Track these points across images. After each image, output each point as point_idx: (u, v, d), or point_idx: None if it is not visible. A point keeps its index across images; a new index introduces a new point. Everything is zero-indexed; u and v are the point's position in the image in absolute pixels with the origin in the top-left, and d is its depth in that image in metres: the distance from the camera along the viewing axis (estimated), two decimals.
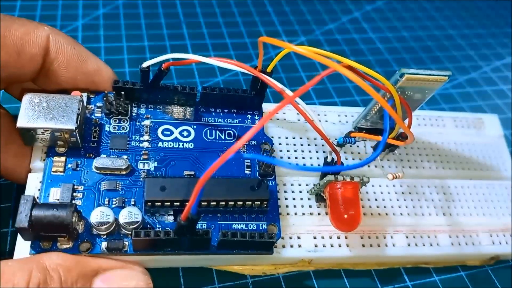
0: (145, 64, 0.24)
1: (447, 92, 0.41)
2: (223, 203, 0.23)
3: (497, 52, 0.48)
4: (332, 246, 0.25)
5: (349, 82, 0.40)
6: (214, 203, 0.23)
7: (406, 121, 0.25)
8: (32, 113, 0.22)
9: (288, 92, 0.24)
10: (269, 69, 0.25)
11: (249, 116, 0.28)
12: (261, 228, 0.24)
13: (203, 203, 0.23)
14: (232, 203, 0.23)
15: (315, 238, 0.25)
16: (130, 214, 0.22)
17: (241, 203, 0.23)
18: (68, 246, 0.21)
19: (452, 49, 0.47)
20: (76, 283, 0.20)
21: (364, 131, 0.28)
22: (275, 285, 0.26)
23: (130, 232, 0.22)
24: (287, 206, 0.26)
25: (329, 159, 0.26)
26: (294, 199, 0.26)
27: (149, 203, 0.22)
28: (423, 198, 0.28)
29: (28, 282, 0.18)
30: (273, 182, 0.25)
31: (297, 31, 0.45)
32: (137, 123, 0.26)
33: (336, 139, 0.27)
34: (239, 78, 0.39)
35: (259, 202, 0.23)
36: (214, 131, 0.27)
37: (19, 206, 0.19)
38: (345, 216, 0.23)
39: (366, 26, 0.48)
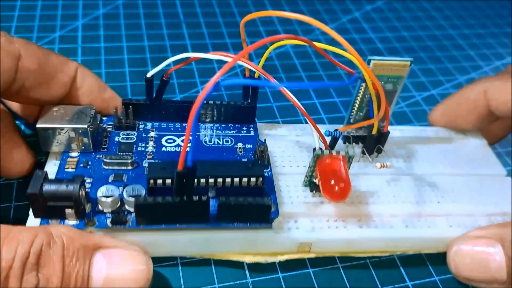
0: (149, 74, 0.26)
1: (447, 92, 0.41)
2: (221, 180, 0.24)
3: (497, 52, 0.48)
4: (329, 228, 0.26)
5: (349, 82, 0.40)
6: (212, 180, 0.24)
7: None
8: (51, 116, 0.26)
9: (258, 67, 0.25)
10: (260, 65, 0.26)
11: (244, 129, 0.30)
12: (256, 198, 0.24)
13: (201, 181, 0.24)
14: (229, 180, 0.24)
15: (312, 222, 0.26)
16: (133, 190, 0.24)
17: (237, 180, 0.24)
18: (75, 222, 0.23)
19: (452, 49, 0.47)
20: (78, 253, 0.20)
21: (351, 138, 0.29)
22: (275, 284, 0.26)
23: (132, 208, 0.23)
24: (283, 197, 0.27)
25: (317, 149, 0.26)
26: (289, 191, 0.27)
27: (152, 181, 0.23)
28: (416, 189, 0.28)
29: (32, 242, 0.19)
30: (269, 173, 0.27)
31: (297, 31, 0.46)
32: (143, 135, 0.28)
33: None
34: (239, 78, 0.39)
35: (254, 179, 0.24)
36: (212, 139, 0.29)
37: (31, 178, 0.21)
38: (336, 188, 0.24)
39: (366, 26, 0.48)
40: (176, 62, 0.26)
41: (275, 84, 0.24)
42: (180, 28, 0.44)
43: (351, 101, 0.28)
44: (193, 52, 0.41)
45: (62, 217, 0.22)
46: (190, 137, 0.20)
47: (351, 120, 0.29)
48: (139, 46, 0.41)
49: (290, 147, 0.30)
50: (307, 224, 0.26)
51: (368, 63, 0.25)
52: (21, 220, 0.26)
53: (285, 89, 0.24)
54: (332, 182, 0.24)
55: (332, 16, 0.49)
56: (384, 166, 0.27)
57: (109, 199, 0.23)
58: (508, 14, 0.54)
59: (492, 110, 0.30)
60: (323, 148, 0.25)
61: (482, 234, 0.25)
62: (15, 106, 0.29)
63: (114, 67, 0.38)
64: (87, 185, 0.25)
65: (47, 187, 0.21)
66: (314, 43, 0.23)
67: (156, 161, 0.26)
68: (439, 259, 0.27)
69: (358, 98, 0.27)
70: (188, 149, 0.20)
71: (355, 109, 0.28)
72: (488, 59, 0.46)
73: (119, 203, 0.24)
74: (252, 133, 0.29)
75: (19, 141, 0.26)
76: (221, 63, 0.25)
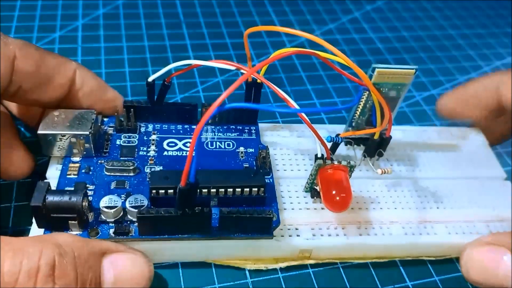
0: (150, 78, 0.26)
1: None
2: (222, 190, 0.24)
3: (497, 52, 0.48)
4: (329, 235, 0.26)
5: (349, 82, 0.40)
6: (214, 190, 0.24)
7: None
8: (52, 122, 0.25)
9: (271, 84, 0.25)
10: (261, 72, 0.26)
11: (246, 130, 0.30)
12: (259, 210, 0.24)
13: (203, 190, 0.24)
14: (231, 190, 0.24)
15: (313, 229, 0.26)
16: (136, 200, 0.24)
17: (239, 190, 0.24)
18: (78, 232, 0.23)
19: (452, 49, 0.47)
20: (88, 260, 0.21)
21: (352, 142, 0.29)
22: (275, 285, 0.26)
23: (135, 218, 0.23)
24: (284, 203, 0.27)
25: (319, 155, 0.26)
26: (290, 197, 0.27)
27: (154, 191, 0.23)
28: (416, 194, 0.28)
29: (40, 253, 0.19)
30: (271, 180, 0.26)
31: None
32: (145, 138, 0.28)
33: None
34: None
35: (256, 189, 0.24)
36: (214, 142, 0.29)
37: (34, 190, 0.21)
38: (337, 198, 0.24)
39: (366, 26, 0.48)
40: (177, 67, 0.26)
41: (293, 110, 0.24)
42: (180, 28, 0.44)
43: (352, 107, 0.28)
44: (193, 52, 0.41)
45: (65, 227, 0.23)
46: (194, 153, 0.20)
47: (353, 124, 0.28)
48: (139, 46, 0.41)
49: (291, 150, 0.30)
50: (307, 231, 0.26)
51: (373, 71, 0.25)
52: (21, 221, 0.27)
53: (303, 114, 0.24)
54: (334, 192, 0.24)
55: (332, 16, 0.49)
56: (385, 172, 0.27)
57: (112, 210, 0.23)
58: (508, 14, 0.54)
59: (503, 105, 0.30)
60: (325, 154, 0.25)
61: (494, 241, 0.25)
62: (15, 109, 0.29)
63: (114, 67, 0.38)
64: (90, 192, 0.25)
65: (50, 199, 0.21)
66: (319, 53, 0.23)
67: (157, 167, 0.26)
68: (439, 259, 0.27)
69: (361, 103, 0.27)
70: (189, 153, 0.20)
71: (358, 113, 0.28)
72: (488, 59, 0.46)
73: (121, 213, 0.24)
74: (254, 136, 0.29)
75: (18, 144, 0.26)
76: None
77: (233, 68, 0.25)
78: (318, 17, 0.48)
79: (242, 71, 0.24)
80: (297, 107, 0.24)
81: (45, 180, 0.24)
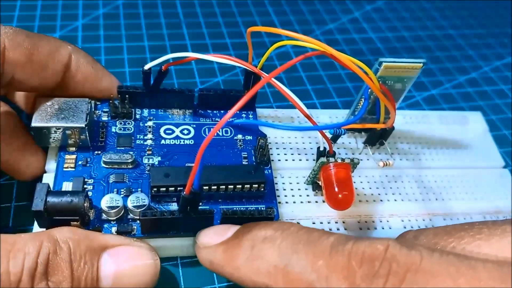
0: (146, 66, 0.26)
1: (447, 92, 0.41)
2: (223, 187, 0.24)
3: (497, 52, 0.48)
4: (330, 229, 0.26)
5: (349, 82, 0.40)
6: (215, 187, 0.24)
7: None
8: (45, 114, 0.25)
9: (288, 91, 0.24)
10: (259, 66, 0.26)
11: (243, 115, 0.30)
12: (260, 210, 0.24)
13: (204, 188, 0.24)
14: (232, 187, 0.24)
15: (314, 223, 0.26)
16: (137, 199, 0.24)
17: (240, 186, 0.24)
18: None
19: (452, 49, 0.47)
20: (85, 256, 0.20)
21: (353, 129, 0.29)
22: None
23: (138, 216, 0.23)
24: (285, 196, 0.27)
25: (321, 148, 0.26)
26: (292, 189, 0.27)
27: (155, 189, 0.23)
28: (415, 186, 0.29)
29: (39, 251, 0.19)
30: (269, 171, 0.27)
31: (297, 31, 0.45)
32: (141, 124, 0.28)
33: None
34: (239, 78, 0.39)
35: (256, 185, 0.24)
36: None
37: (35, 193, 0.21)
38: (340, 196, 0.24)
39: (366, 26, 0.48)
40: (175, 59, 0.25)
41: (312, 127, 0.24)
42: (180, 28, 0.44)
43: (356, 96, 0.28)
44: (193, 52, 0.41)
45: (67, 225, 0.22)
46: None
47: (356, 113, 0.28)
48: (139, 46, 0.41)
49: (291, 138, 0.29)
50: (308, 225, 0.26)
51: (379, 65, 0.25)
52: (21, 220, 0.26)
53: (323, 131, 0.25)
54: (336, 190, 0.24)
55: (332, 16, 0.49)
56: (386, 165, 0.27)
57: (114, 210, 0.23)
58: (508, 14, 0.54)
59: None
60: (327, 147, 0.25)
61: None
62: (23, 104, 0.29)
63: (114, 67, 0.38)
64: (89, 187, 0.24)
65: (51, 203, 0.21)
66: (337, 55, 0.22)
67: (156, 157, 0.26)
68: None
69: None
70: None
71: (361, 103, 0.28)
72: (488, 59, 0.46)
73: (123, 211, 0.24)
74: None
75: (31, 143, 0.26)
76: (221, 63, 0.25)
77: (232, 63, 0.24)
78: (318, 17, 0.48)
79: (227, 61, 0.24)
80: (316, 123, 0.24)
81: (44, 182, 0.24)
